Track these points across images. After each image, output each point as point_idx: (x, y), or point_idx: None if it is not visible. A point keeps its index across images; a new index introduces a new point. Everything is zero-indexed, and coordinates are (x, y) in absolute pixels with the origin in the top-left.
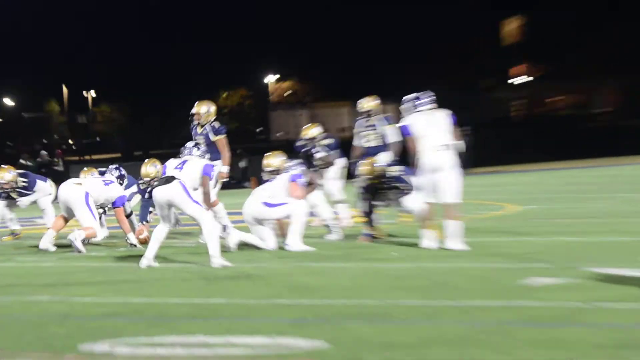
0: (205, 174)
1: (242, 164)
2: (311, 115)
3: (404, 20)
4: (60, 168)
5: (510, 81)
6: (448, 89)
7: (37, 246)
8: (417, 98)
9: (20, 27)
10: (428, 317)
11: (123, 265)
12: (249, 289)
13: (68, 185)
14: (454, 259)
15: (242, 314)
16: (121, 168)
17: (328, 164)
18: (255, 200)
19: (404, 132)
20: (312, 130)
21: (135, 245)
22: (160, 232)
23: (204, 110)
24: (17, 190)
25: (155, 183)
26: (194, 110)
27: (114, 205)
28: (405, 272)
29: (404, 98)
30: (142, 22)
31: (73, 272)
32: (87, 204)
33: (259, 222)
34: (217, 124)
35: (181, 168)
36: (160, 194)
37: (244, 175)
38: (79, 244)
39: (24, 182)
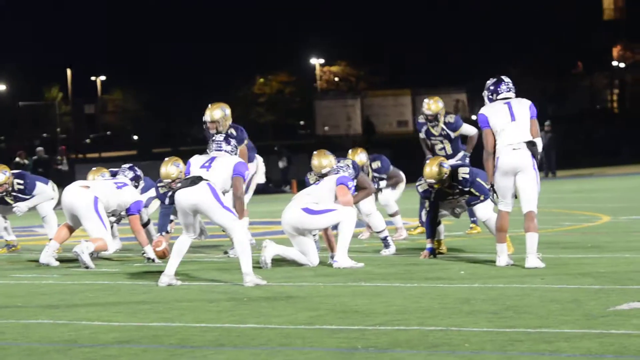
0: (238, 175)
1: (282, 164)
2: (365, 105)
3: None
4: (64, 168)
5: (613, 65)
6: (533, 77)
7: (36, 260)
8: (496, 84)
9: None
10: (500, 347)
11: (138, 283)
12: (288, 313)
13: (74, 189)
14: (531, 279)
15: (279, 341)
16: (136, 168)
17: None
18: (296, 206)
19: (482, 123)
20: (359, 157)
21: (153, 260)
22: (182, 244)
23: (219, 115)
24: (13, 194)
25: (178, 185)
26: (207, 118)
27: (128, 212)
28: (474, 294)
29: (486, 83)
30: None
31: (79, 291)
32: (97, 211)
33: (300, 232)
34: (233, 130)
35: (209, 167)
36: (184, 198)
37: (284, 178)
38: (86, 258)
39: (20, 184)
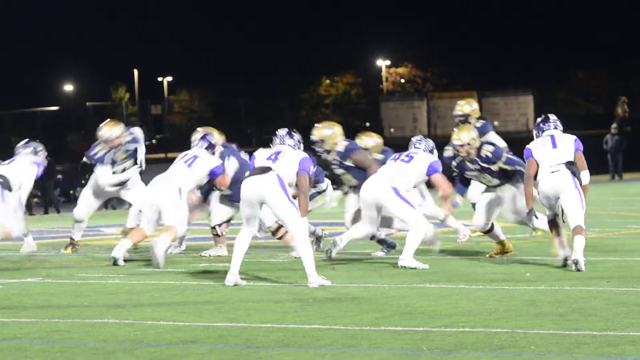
0: (303, 171)
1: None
2: (431, 107)
3: None
4: None
5: None
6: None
7: (102, 260)
8: (543, 121)
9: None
10: (566, 350)
11: (204, 283)
12: (353, 314)
13: (159, 184)
14: (597, 282)
15: (345, 342)
16: (209, 137)
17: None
18: (386, 182)
19: (526, 153)
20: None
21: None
22: (244, 240)
23: (327, 132)
24: (123, 156)
25: (246, 175)
26: (315, 137)
27: (213, 176)
28: (540, 297)
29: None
30: None
31: (145, 290)
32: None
33: (378, 209)
34: (342, 146)
35: (275, 159)
36: (251, 186)
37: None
38: (161, 253)
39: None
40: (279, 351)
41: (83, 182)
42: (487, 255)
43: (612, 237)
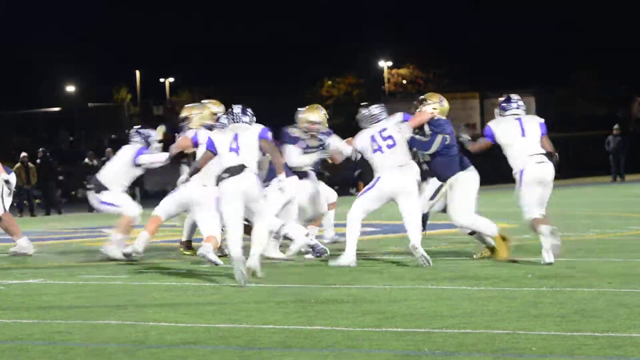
0: (264, 138)
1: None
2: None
3: None
4: None
5: None
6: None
7: (104, 261)
8: (506, 102)
9: (87, 3)
10: (567, 351)
11: (205, 284)
12: (355, 315)
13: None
14: (599, 283)
15: (346, 343)
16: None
17: None
18: (409, 174)
19: (486, 133)
20: None
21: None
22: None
23: (316, 118)
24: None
25: (224, 175)
26: (314, 118)
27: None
28: (541, 298)
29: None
30: None
31: (147, 292)
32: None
33: (395, 198)
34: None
35: (238, 150)
36: (232, 187)
37: (354, 181)
38: (212, 256)
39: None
40: (281, 352)
41: (85, 183)
42: (475, 257)
43: (614, 238)
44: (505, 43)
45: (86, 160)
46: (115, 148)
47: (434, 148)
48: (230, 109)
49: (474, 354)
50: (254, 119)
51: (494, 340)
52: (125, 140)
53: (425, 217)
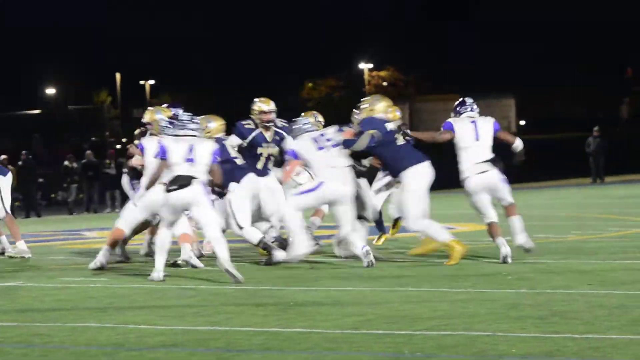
0: (214, 162)
1: None
2: (413, 110)
3: None
4: (111, 171)
5: None
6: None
7: (83, 264)
8: (460, 105)
9: (69, 6)
10: (546, 353)
11: (185, 287)
12: (334, 317)
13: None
14: (578, 285)
15: (326, 346)
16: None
17: None
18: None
19: (446, 127)
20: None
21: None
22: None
23: (268, 107)
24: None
25: (172, 187)
26: (267, 108)
27: None
28: (521, 300)
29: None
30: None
31: (126, 294)
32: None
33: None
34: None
35: (192, 161)
36: (179, 198)
37: None
38: (195, 261)
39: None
40: (260, 355)
41: (65, 185)
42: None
43: (593, 239)
44: (487, 45)
45: (66, 162)
46: (95, 150)
47: (360, 144)
48: (176, 116)
49: (453, 356)
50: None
51: (474, 342)
52: (104, 143)
53: (379, 222)
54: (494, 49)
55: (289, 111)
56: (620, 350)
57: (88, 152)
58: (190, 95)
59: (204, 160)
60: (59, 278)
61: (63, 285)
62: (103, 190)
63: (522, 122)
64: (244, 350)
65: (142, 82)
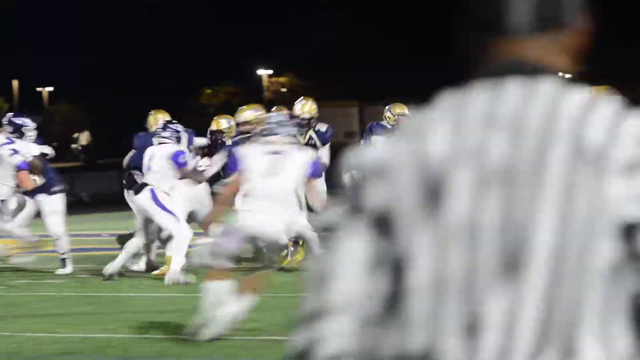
0: (180, 165)
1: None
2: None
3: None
4: None
5: None
6: None
7: None
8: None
9: None
10: None
11: (84, 294)
12: (248, 322)
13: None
14: None
15: (225, 352)
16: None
17: None
18: None
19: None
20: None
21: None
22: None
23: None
24: None
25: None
26: (227, 125)
27: None
28: None
29: None
30: (111, 2)
31: (24, 302)
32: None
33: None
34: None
35: (150, 169)
36: (135, 202)
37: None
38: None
39: None
40: None
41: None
42: None
43: None
44: (386, 52)
45: None
46: None
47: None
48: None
49: None
50: (179, 134)
51: None
52: None
53: None
54: (394, 55)
55: (188, 118)
56: None
57: None
58: (90, 103)
59: (161, 167)
60: None
61: None
62: None
63: None
64: (141, 357)
65: (39, 88)
